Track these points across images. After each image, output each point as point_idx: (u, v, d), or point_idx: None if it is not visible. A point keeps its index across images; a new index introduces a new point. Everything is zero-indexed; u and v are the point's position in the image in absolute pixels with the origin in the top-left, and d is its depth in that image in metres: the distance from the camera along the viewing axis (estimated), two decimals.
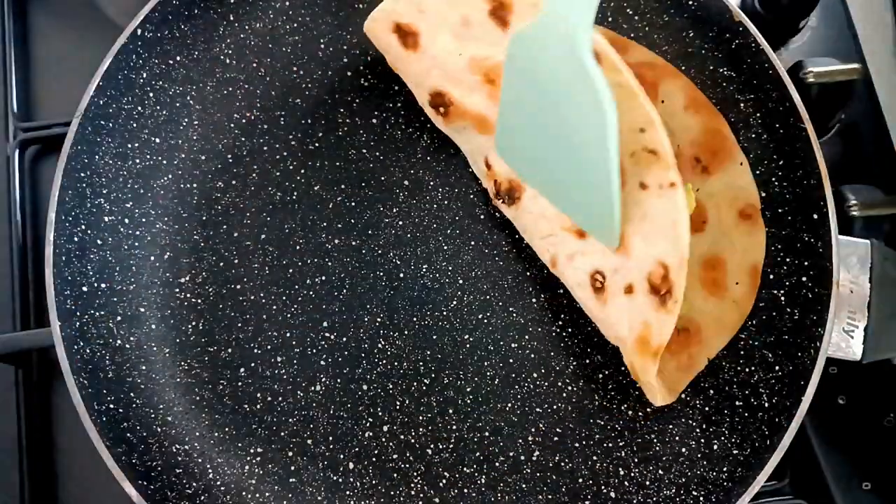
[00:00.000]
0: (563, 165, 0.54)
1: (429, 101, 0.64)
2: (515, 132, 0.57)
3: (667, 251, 0.52)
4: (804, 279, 0.61)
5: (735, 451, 0.60)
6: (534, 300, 0.64)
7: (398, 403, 0.63)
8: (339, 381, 0.63)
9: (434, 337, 0.64)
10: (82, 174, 0.62)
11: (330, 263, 0.65)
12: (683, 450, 0.61)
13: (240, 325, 0.64)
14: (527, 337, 0.64)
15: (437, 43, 0.61)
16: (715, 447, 0.61)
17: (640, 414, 0.62)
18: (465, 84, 0.62)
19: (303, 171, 0.67)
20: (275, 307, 0.64)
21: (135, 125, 0.65)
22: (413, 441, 0.62)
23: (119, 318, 0.62)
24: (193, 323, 0.64)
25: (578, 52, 0.48)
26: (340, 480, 0.61)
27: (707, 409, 0.62)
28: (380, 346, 0.64)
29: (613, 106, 0.48)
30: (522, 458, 0.61)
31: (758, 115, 0.65)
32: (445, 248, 0.66)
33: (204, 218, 0.66)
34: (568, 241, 0.59)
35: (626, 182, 0.53)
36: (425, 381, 0.63)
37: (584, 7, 0.47)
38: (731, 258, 0.62)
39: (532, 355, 0.63)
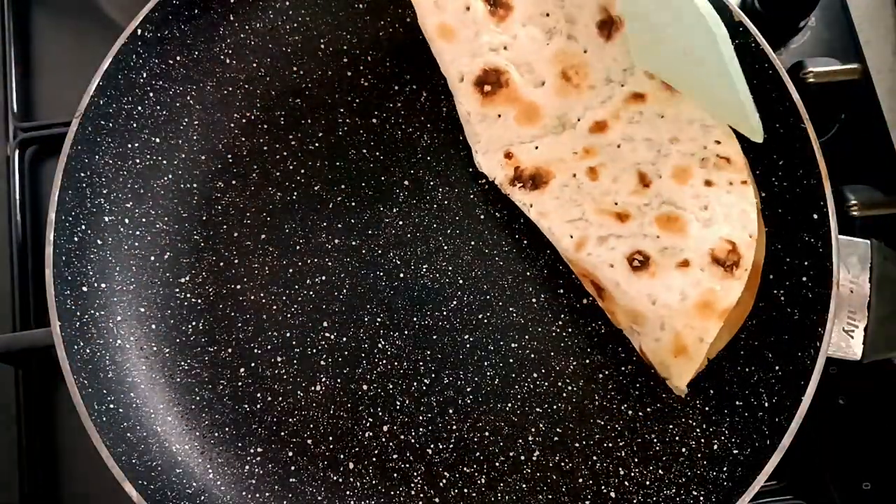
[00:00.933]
0: (700, 79, 0.59)
1: (476, 77, 0.63)
2: (650, 51, 0.60)
3: (733, 231, 0.58)
4: (804, 279, 0.61)
5: (735, 451, 0.60)
6: (534, 300, 0.64)
7: (398, 403, 0.63)
8: (339, 380, 0.63)
9: (434, 337, 0.64)
10: (82, 174, 0.62)
11: (330, 263, 0.65)
12: (683, 450, 0.61)
13: (240, 325, 0.64)
14: (527, 337, 0.64)
15: (525, 28, 0.62)
16: (715, 447, 0.61)
17: (640, 414, 0.62)
18: (537, 72, 0.63)
19: (303, 171, 0.67)
20: (275, 307, 0.64)
21: (135, 125, 0.65)
22: (413, 441, 0.62)
23: (119, 317, 0.62)
24: (193, 323, 0.64)
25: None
26: (340, 480, 0.61)
27: (707, 409, 0.62)
28: (380, 346, 0.64)
29: (720, 27, 0.56)
30: (522, 458, 0.61)
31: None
32: (445, 248, 0.66)
33: (204, 218, 0.66)
34: (605, 224, 0.60)
35: (690, 178, 0.60)
36: (425, 381, 0.63)
37: None
38: None
39: (532, 355, 0.63)
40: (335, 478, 0.61)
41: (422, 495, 0.61)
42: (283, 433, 0.62)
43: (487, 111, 0.63)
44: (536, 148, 0.63)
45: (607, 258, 0.59)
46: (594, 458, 0.62)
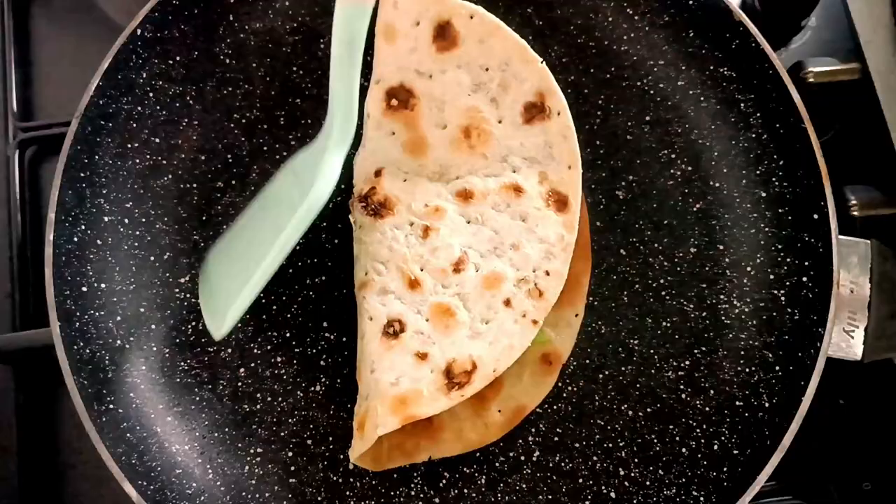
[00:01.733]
0: (229, 265, 0.61)
1: (389, 87, 0.62)
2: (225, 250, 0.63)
3: (485, 358, 0.58)
4: (804, 279, 0.61)
5: (735, 452, 0.60)
6: None
7: None
8: (338, 381, 0.63)
9: None
10: (82, 174, 0.62)
11: (330, 263, 0.65)
12: (684, 450, 0.61)
13: (239, 325, 0.64)
14: None
15: (458, 70, 0.62)
16: (715, 447, 0.61)
17: (640, 414, 0.62)
18: (445, 114, 0.62)
19: None
20: (274, 307, 0.64)
21: (134, 125, 0.65)
22: None
23: (119, 318, 0.62)
24: (193, 323, 0.64)
25: (325, 157, 0.60)
26: (340, 480, 0.61)
27: (707, 409, 0.62)
28: None
29: (319, 199, 0.59)
30: (522, 458, 0.61)
31: (758, 114, 0.65)
32: None
33: (204, 218, 0.66)
34: (394, 281, 0.60)
35: (497, 289, 0.60)
36: None
37: (343, 122, 0.61)
38: (511, 390, 0.62)
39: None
40: (335, 478, 0.61)
41: (422, 495, 0.61)
42: (282, 433, 0.62)
43: (384, 122, 0.62)
44: (404, 181, 0.62)
45: (372, 311, 0.60)
46: (594, 458, 0.62)
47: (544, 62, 0.62)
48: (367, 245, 0.61)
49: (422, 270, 0.60)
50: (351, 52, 0.59)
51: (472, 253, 0.61)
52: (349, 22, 0.58)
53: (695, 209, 0.66)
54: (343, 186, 0.62)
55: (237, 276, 0.58)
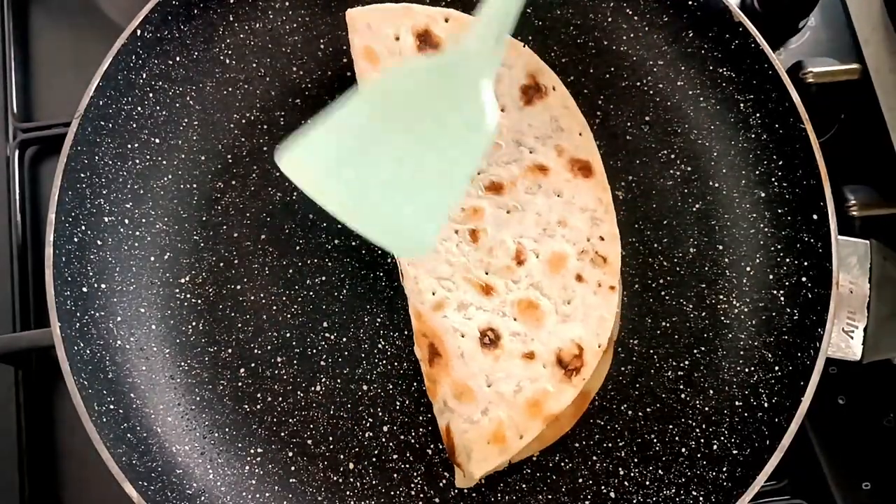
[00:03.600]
0: (393, 185, 0.56)
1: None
2: (336, 151, 0.57)
3: (585, 336, 0.59)
4: (804, 279, 0.61)
5: (735, 452, 0.60)
6: None
7: (398, 404, 0.63)
8: (339, 381, 0.63)
9: None
10: (82, 175, 0.62)
11: (330, 264, 0.65)
12: (683, 450, 0.61)
13: (240, 325, 0.64)
14: None
15: None
16: (715, 447, 0.61)
17: (639, 414, 0.62)
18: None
19: None
20: (275, 307, 0.64)
21: (134, 125, 0.65)
22: (413, 441, 0.62)
23: (119, 318, 0.62)
24: (193, 323, 0.64)
25: (479, 85, 0.56)
26: (340, 481, 0.61)
27: (707, 409, 0.62)
28: (380, 346, 0.64)
29: (492, 130, 0.56)
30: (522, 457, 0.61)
31: (758, 115, 0.65)
32: None
33: (204, 218, 0.66)
34: (467, 293, 0.60)
35: (563, 268, 0.61)
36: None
37: (493, 48, 0.56)
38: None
39: None
40: (335, 478, 0.61)
41: (422, 495, 0.61)
42: (283, 433, 0.62)
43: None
44: None
45: (461, 326, 0.59)
46: (594, 458, 0.62)
47: (526, 45, 0.64)
48: (423, 265, 0.61)
49: (487, 274, 0.61)
50: None
51: (526, 241, 0.61)
52: None
53: (694, 209, 0.66)
54: None
55: (419, 206, 0.55)
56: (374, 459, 0.61)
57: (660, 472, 0.61)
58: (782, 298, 0.62)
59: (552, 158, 0.63)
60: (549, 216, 0.62)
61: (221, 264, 0.65)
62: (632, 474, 0.61)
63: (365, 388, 0.63)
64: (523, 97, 0.64)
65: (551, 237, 0.61)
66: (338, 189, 0.56)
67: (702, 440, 0.61)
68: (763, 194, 0.64)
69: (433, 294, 0.60)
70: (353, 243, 0.66)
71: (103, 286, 0.62)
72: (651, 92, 0.68)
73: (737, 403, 0.61)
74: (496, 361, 0.59)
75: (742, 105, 0.66)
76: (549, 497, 0.61)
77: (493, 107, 0.56)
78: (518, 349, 0.59)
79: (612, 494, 0.61)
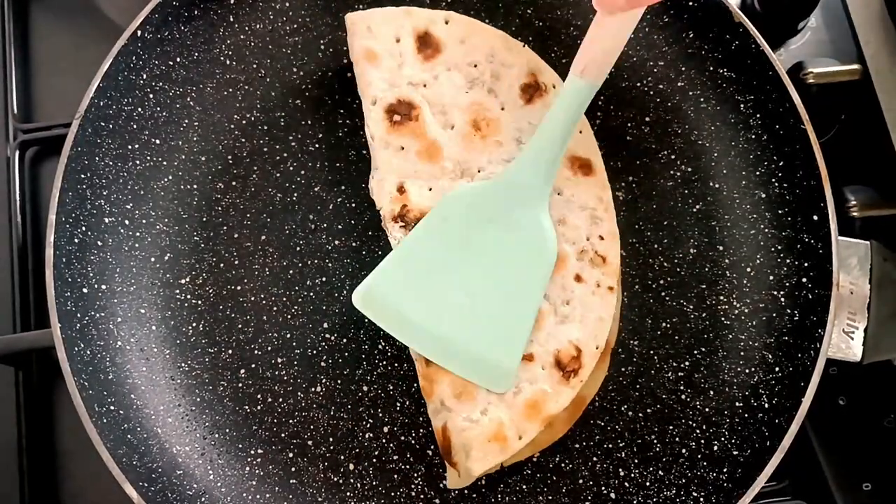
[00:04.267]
0: (465, 314, 0.59)
1: (388, 105, 0.63)
2: (405, 283, 0.60)
3: (583, 338, 0.60)
4: (804, 280, 0.61)
5: (735, 452, 0.60)
6: None
7: (398, 404, 0.63)
8: (339, 382, 0.63)
9: None
10: (82, 175, 0.62)
11: (330, 264, 0.65)
12: (683, 451, 0.61)
13: (240, 326, 0.64)
14: None
15: (449, 73, 0.64)
16: (715, 448, 0.61)
17: (640, 415, 0.62)
18: (448, 115, 0.63)
19: (303, 172, 0.67)
20: (275, 308, 0.64)
21: (135, 126, 0.65)
22: (413, 442, 0.62)
23: (119, 319, 0.62)
24: (194, 324, 0.64)
25: (537, 212, 0.60)
26: (341, 481, 0.61)
27: (707, 410, 0.62)
28: (380, 346, 0.64)
29: (555, 257, 0.60)
30: (522, 458, 0.61)
31: (758, 115, 0.65)
32: None
33: (204, 219, 0.66)
34: None
35: (563, 268, 0.61)
36: None
37: (545, 178, 0.60)
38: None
39: None
40: (335, 479, 0.61)
41: (422, 496, 0.61)
42: (283, 434, 0.62)
43: (391, 139, 0.63)
44: (430, 189, 0.62)
45: None
46: (594, 458, 0.62)
47: (526, 45, 0.65)
48: None
49: None
50: (569, 118, 0.59)
51: None
52: (580, 94, 0.58)
53: (694, 210, 0.66)
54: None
55: (495, 338, 0.58)
56: (374, 460, 0.61)
57: (660, 472, 0.61)
58: (783, 299, 0.62)
59: None
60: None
61: (222, 265, 0.65)
62: (632, 475, 0.61)
63: (365, 388, 0.63)
64: (523, 95, 0.64)
65: None
66: (413, 322, 0.59)
67: (702, 441, 0.61)
68: (763, 195, 0.64)
69: None
70: (354, 244, 0.66)
71: (104, 287, 0.62)
72: (651, 92, 0.68)
73: (737, 404, 0.61)
74: None
75: (742, 106, 0.66)
76: (550, 498, 0.61)
77: (552, 233, 0.59)
78: None
79: (613, 495, 0.61)
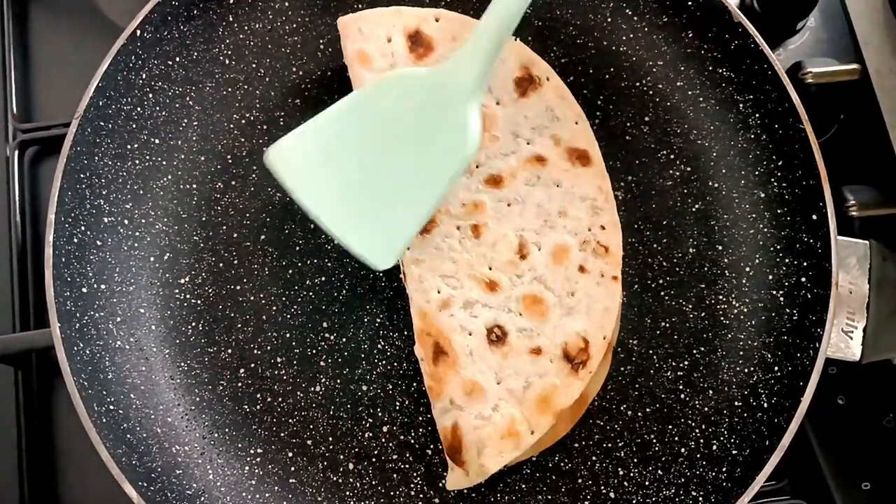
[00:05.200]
0: (367, 192, 0.59)
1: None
2: (319, 150, 0.59)
3: (590, 329, 0.60)
4: (803, 280, 0.61)
5: (734, 452, 0.60)
6: None
7: (398, 404, 0.63)
8: (338, 381, 0.63)
9: None
10: (82, 175, 0.62)
11: (330, 264, 0.65)
12: (683, 450, 0.61)
13: (239, 325, 0.64)
14: None
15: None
16: (714, 447, 0.61)
17: (639, 414, 0.62)
18: None
19: None
20: (275, 308, 0.64)
21: (134, 126, 0.65)
22: (413, 441, 0.62)
23: (119, 318, 0.62)
24: (193, 324, 0.64)
25: (466, 108, 0.59)
26: (340, 481, 0.61)
27: (706, 409, 0.62)
28: (380, 346, 0.64)
29: (471, 156, 0.59)
30: (522, 458, 0.61)
31: (757, 115, 0.65)
32: None
33: (203, 219, 0.66)
34: (472, 290, 0.60)
35: (566, 259, 0.61)
36: None
37: (479, 75, 0.59)
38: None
39: None
40: (335, 478, 0.61)
41: (422, 495, 0.61)
42: (283, 434, 0.62)
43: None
44: None
45: (468, 325, 0.60)
46: (593, 458, 0.62)
47: (517, 38, 0.65)
48: (427, 263, 0.61)
49: (491, 269, 0.61)
50: (508, 13, 0.58)
51: (528, 234, 0.61)
52: None
53: (694, 209, 0.66)
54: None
55: (391, 217, 0.58)
56: (373, 459, 0.61)
57: (659, 472, 0.61)
58: (782, 299, 0.62)
59: (549, 148, 0.63)
60: (549, 207, 0.62)
61: (221, 265, 0.65)
62: (631, 474, 0.61)
63: (365, 388, 0.63)
64: (518, 89, 0.64)
65: (552, 228, 0.61)
66: (316, 188, 0.58)
67: (701, 440, 0.61)
68: (762, 195, 0.64)
69: (438, 292, 0.60)
70: None
71: (103, 286, 0.62)
72: (651, 92, 0.69)
73: (736, 403, 0.61)
74: (504, 358, 0.59)
75: (742, 105, 0.66)
76: (549, 497, 0.61)
77: (475, 131, 0.58)
78: (525, 345, 0.59)
79: (612, 495, 0.61)
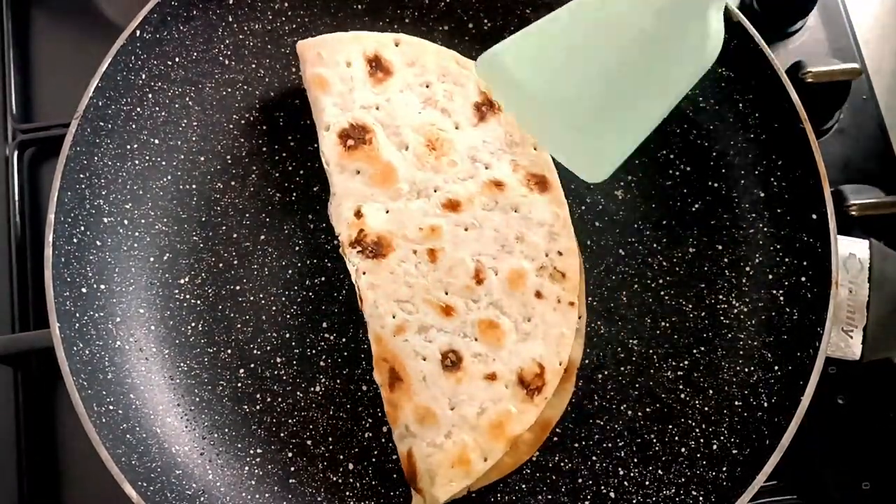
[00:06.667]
0: (586, 101, 0.56)
1: (341, 129, 0.63)
2: (533, 56, 0.57)
3: (546, 355, 0.59)
4: (803, 279, 0.61)
5: (734, 451, 0.60)
6: None
7: None
8: (338, 381, 0.63)
9: None
10: (81, 175, 0.62)
11: (329, 264, 0.65)
12: (683, 450, 0.61)
13: (239, 325, 0.64)
14: None
15: (401, 94, 0.64)
16: (714, 447, 0.61)
17: (639, 414, 0.62)
18: (402, 136, 0.63)
19: (302, 171, 0.67)
20: (274, 308, 0.64)
21: (134, 126, 0.65)
22: None
23: (118, 319, 0.62)
24: (193, 324, 0.64)
25: (707, 9, 0.56)
26: (340, 481, 0.61)
27: (706, 409, 0.62)
28: None
29: (711, 61, 0.56)
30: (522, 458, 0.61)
31: (757, 115, 0.65)
32: None
33: (203, 219, 0.66)
34: (428, 315, 0.60)
35: (523, 285, 0.60)
36: None
37: None
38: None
39: None
40: (335, 478, 0.61)
41: None
42: (282, 434, 0.62)
43: (346, 164, 0.62)
44: (387, 212, 0.62)
45: (422, 350, 0.59)
46: (594, 458, 0.62)
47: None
48: (382, 288, 0.60)
49: (447, 294, 0.60)
50: None
51: (485, 258, 0.61)
52: None
53: (693, 209, 0.66)
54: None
55: (610, 127, 0.55)
56: (373, 459, 0.61)
57: (659, 472, 0.61)
58: (782, 298, 0.62)
59: (507, 174, 0.63)
60: (506, 232, 0.62)
61: (221, 265, 0.65)
62: (631, 474, 0.61)
63: (364, 388, 0.63)
64: (477, 113, 0.64)
65: (509, 253, 0.61)
66: (528, 95, 0.56)
67: (701, 440, 0.61)
68: (762, 194, 0.64)
69: (393, 318, 0.60)
70: None
71: (102, 287, 0.62)
72: None
73: (736, 403, 0.61)
74: (458, 384, 0.58)
75: (741, 105, 0.66)
76: (549, 497, 0.61)
77: (718, 36, 0.55)
78: (480, 370, 0.59)
79: (612, 494, 0.61)
